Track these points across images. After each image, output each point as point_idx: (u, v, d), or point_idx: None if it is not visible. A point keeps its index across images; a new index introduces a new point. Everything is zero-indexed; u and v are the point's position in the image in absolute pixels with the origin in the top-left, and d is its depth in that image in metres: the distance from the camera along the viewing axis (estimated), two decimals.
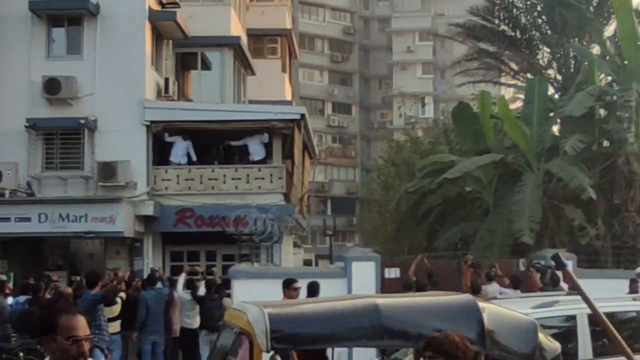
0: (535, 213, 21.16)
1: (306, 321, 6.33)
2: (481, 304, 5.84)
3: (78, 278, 18.57)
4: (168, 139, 23.28)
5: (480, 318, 5.67)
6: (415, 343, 5.75)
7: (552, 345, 6.19)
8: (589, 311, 10.45)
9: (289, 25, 35.39)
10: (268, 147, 24.09)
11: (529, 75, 30.15)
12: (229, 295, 17.79)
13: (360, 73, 74.29)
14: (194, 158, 23.60)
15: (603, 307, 11.10)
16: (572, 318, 10.86)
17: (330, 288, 15.97)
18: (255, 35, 32.86)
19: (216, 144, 24.68)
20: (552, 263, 17.41)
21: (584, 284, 15.01)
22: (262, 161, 23.84)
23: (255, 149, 23.86)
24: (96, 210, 21.54)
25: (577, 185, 21.23)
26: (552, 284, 15.69)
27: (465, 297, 6.22)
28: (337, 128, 70.58)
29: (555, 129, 25.81)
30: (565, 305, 10.90)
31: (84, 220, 21.43)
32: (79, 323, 4.04)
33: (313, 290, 13.05)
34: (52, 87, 22.50)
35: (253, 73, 30.62)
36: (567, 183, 21.79)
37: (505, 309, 6.25)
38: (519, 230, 20.81)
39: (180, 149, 23.47)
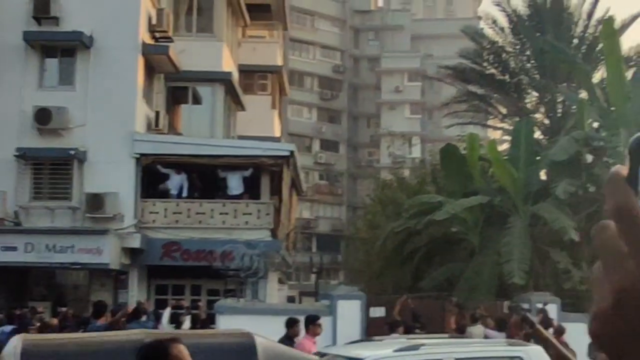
0: (523, 255, 21.31)
1: (63, 354, 5.61)
2: (259, 342, 5.06)
3: (64, 309, 18.52)
4: (163, 170, 23.33)
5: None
6: None
7: None
8: (456, 355, 9.96)
9: (280, 62, 35.64)
10: (254, 182, 24.20)
11: (516, 119, 30.43)
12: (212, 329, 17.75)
13: (349, 111, 74.72)
14: (184, 194, 23.65)
15: (474, 352, 10.88)
16: None
17: None
18: (246, 71, 33.05)
19: (204, 178, 24.77)
20: (540, 306, 17.55)
21: (568, 327, 15.14)
22: (240, 196, 23.89)
23: (234, 183, 23.92)
24: (83, 242, 21.55)
25: (560, 227, 21.41)
26: (544, 327, 15.74)
27: (243, 335, 5.41)
28: (324, 165, 70.80)
29: (543, 172, 26.02)
30: (431, 348, 10.12)
31: (71, 251, 21.44)
32: (186, 351, 4.10)
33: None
34: (43, 117, 22.60)
35: (243, 109, 30.81)
36: (551, 225, 21.96)
37: (288, 350, 5.52)
38: (509, 272, 20.92)
39: (176, 181, 23.53)
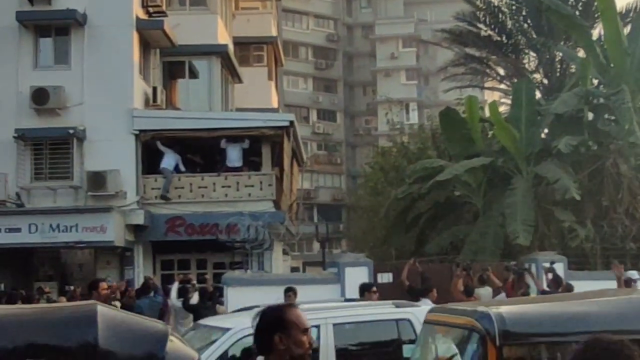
0: (527, 216, 21.29)
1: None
2: (101, 311, 4.74)
3: (71, 288, 18.52)
4: (160, 147, 23.22)
5: (94, 330, 4.74)
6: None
7: (189, 353, 5.15)
8: (336, 321, 9.59)
9: (274, 33, 35.41)
10: (255, 154, 24.13)
11: (515, 80, 30.29)
12: (222, 303, 17.77)
13: (345, 80, 74.48)
14: (183, 169, 23.57)
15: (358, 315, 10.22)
16: (316, 328, 9.41)
17: (324, 294, 16.04)
18: (242, 43, 32.83)
19: (204, 151, 24.70)
20: (547, 265, 17.54)
21: (575, 285, 15.15)
22: (240, 168, 23.83)
23: (235, 155, 23.83)
24: (86, 220, 21.50)
25: (562, 185, 21.39)
26: (555, 286, 15.76)
27: (87, 306, 5.06)
28: (322, 135, 70.67)
29: (544, 133, 25.97)
30: (307, 314, 9.69)
31: (75, 230, 21.39)
32: (304, 315, 4.10)
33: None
34: (40, 97, 22.46)
35: (240, 81, 30.65)
36: (553, 184, 21.94)
37: (128, 317, 5.21)
38: (513, 233, 20.92)
39: (172, 159, 23.41)
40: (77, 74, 22.95)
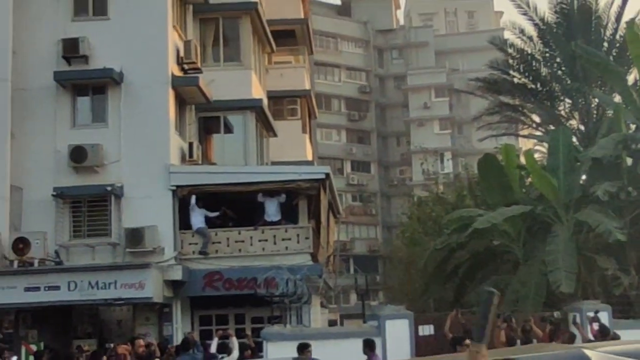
0: (570, 263, 20.99)
1: None
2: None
3: (111, 345, 18.47)
4: (192, 203, 23.19)
5: None
6: None
7: None
8: None
9: (307, 86, 35.69)
10: (291, 207, 24.12)
11: (551, 127, 30.15)
12: (261, 357, 17.65)
13: (378, 131, 74.69)
14: (211, 215, 23.55)
15: None
16: None
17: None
18: (275, 97, 33.14)
19: (240, 206, 24.71)
20: (591, 315, 17.25)
21: (621, 335, 14.82)
22: (278, 222, 23.83)
23: (272, 209, 23.89)
24: (125, 277, 21.50)
25: (605, 230, 21.08)
26: (601, 336, 15.47)
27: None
28: (356, 186, 70.71)
29: (582, 179, 25.72)
30: None
31: (113, 287, 21.38)
32: None
33: (370, 345, 13.51)
34: (78, 155, 22.67)
35: (275, 134, 30.81)
36: (595, 229, 21.64)
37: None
38: (555, 281, 20.62)
39: (200, 215, 23.42)
40: (114, 132, 23.18)
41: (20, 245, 21.74)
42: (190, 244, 23.32)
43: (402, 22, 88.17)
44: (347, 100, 72.86)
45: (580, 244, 22.67)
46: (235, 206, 24.62)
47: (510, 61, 32.84)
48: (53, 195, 22.73)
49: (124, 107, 23.28)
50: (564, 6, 31.52)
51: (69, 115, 23.44)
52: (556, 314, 18.64)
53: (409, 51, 77.44)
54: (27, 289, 21.37)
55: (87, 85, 23.65)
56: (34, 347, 21.14)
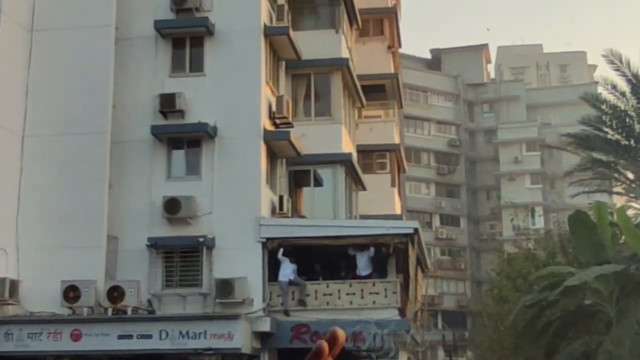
0: None
1: None
2: None
3: None
4: (280, 257, 23.50)
5: None
6: None
7: None
8: None
9: (397, 140, 35.91)
10: (380, 261, 24.21)
11: None
12: None
13: (468, 185, 74.28)
14: (294, 278, 23.70)
15: None
16: None
17: None
18: (365, 151, 33.42)
19: (329, 259, 24.91)
20: None
21: None
22: (369, 276, 23.92)
23: (363, 263, 24.04)
24: (215, 327, 21.89)
25: None
26: None
27: None
28: (445, 240, 70.27)
29: None
30: None
31: (203, 336, 21.79)
32: None
33: None
34: (172, 206, 23.30)
35: (364, 188, 31.03)
36: None
37: None
38: None
39: (288, 269, 23.67)
40: (208, 185, 23.77)
41: (115, 293, 22.37)
42: (278, 295, 23.58)
43: (492, 75, 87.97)
44: (436, 154, 72.83)
45: None
46: (323, 259, 24.87)
47: (603, 117, 32.48)
48: (147, 245, 23.38)
49: (217, 161, 23.89)
50: None
51: (164, 167, 24.16)
52: None
53: (500, 105, 77.12)
54: (120, 337, 21.96)
55: (183, 139, 24.37)
56: None
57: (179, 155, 24.45)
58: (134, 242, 23.39)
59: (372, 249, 23.85)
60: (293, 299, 23.53)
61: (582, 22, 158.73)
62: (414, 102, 70.87)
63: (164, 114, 24.14)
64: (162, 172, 24.18)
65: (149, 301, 23.07)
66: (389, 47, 35.46)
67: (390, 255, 24.36)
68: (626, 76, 31.85)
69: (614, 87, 32.50)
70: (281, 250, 23.48)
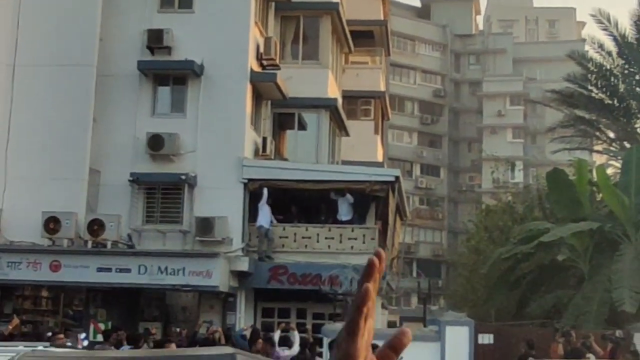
0: (635, 283, 20.89)
1: None
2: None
3: (178, 330, 19.04)
4: (263, 200, 23.47)
5: None
6: None
7: None
8: None
9: (382, 88, 35.87)
10: (361, 207, 24.42)
11: (625, 144, 29.88)
12: (320, 354, 18.00)
13: (450, 135, 74.44)
14: (274, 222, 23.86)
15: None
16: None
17: (423, 352, 16.09)
18: (350, 97, 33.40)
19: (308, 204, 25.06)
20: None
21: None
22: (350, 222, 24.14)
23: (345, 209, 24.22)
24: (193, 265, 22.11)
25: None
26: None
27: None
28: (424, 190, 70.62)
29: None
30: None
31: (181, 273, 22.01)
32: None
33: None
34: (155, 143, 23.31)
35: (347, 134, 31.11)
36: None
37: None
38: (619, 300, 20.54)
39: (267, 215, 23.72)
40: (192, 123, 23.76)
41: (95, 226, 22.50)
42: (257, 236, 23.77)
43: (481, 27, 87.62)
44: (420, 103, 72.83)
45: None
46: (303, 202, 25.03)
47: (589, 75, 32.60)
48: (129, 180, 23.43)
49: (203, 99, 23.86)
50: None
51: (149, 103, 24.11)
52: (618, 332, 18.59)
53: (487, 57, 77.00)
54: (99, 270, 22.15)
55: (169, 75, 24.29)
56: (102, 326, 21.88)
57: (164, 92, 24.39)
58: (116, 176, 23.43)
59: (348, 195, 23.98)
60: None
61: None
62: (401, 50, 70.61)
63: (151, 49, 24.01)
64: (147, 108, 24.13)
65: (129, 236, 23.20)
66: None
67: (370, 201, 24.54)
68: (613, 36, 31.93)
69: (601, 46, 32.61)
70: (265, 193, 23.45)
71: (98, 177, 23.65)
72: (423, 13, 78.47)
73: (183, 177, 23.29)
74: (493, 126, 71.99)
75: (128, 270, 22.09)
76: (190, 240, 23.26)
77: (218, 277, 21.97)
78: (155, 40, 23.89)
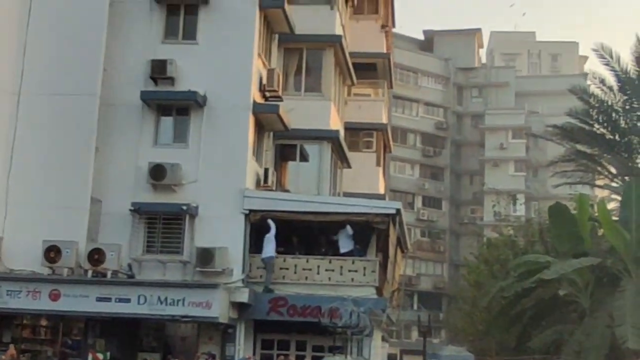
0: (638, 319, 20.81)
1: None
2: None
3: None
4: (271, 231, 23.47)
5: None
6: None
7: None
8: None
9: (385, 120, 36.03)
10: (360, 239, 24.45)
11: (627, 179, 29.89)
12: None
13: (452, 168, 74.60)
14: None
15: None
16: None
17: None
18: (352, 129, 33.52)
19: (308, 235, 25.08)
20: None
21: None
22: (350, 253, 24.14)
23: (344, 242, 24.26)
24: (193, 295, 22.07)
25: None
26: None
27: None
28: (426, 222, 70.65)
29: None
30: None
31: (181, 304, 21.96)
32: None
33: None
34: (157, 173, 23.36)
35: (349, 166, 31.19)
36: None
37: None
38: (622, 336, 20.47)
39: (273, 246, 23.70)
40: (194, 153, 23.82)
41: (96, 255, 22.51)
42: (258, 267, 23.75)
43: (484, 60, 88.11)
44: (423, 135, 73.05)
45: None
46: (304, 234, 25.05)
47: (590, 110, 32.71)
48: (130, 210, 23.45)
49: (205, 130, 23.94)
50: None
51: (152, 133, 24.18)
52: None
53: (489, 90, 77.34)
54: (99, 299, 22.11)
55: (172, 106, 24.39)
56: (100, 356, 21.83)
57: (167, 122, 24.46)
58: (117, 206, 23.45)
59: (348, 227, 24.01)
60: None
61: (579, 11, 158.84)
62: (404, 83, 70.97)
63: (154, 80, 24.13)
64: (150, 138, 24.19)
65: (129, 265, 23.18)
66: (383, 26, 35.48)
67: (371, 233, 24.55)
68: (615, 71, 32.09)
69: (602, 81, 32.75)
70: (273, 227, 23.44)
71: (99, 206, 23.67)
72: (426, 46, 78.95)
73: (184, 207, 23.32)
74: (495, 159, 72.15)
75: (128, 300, 22.05)
76: (190, 270, 23.24)
77: (218, 308, 21.92)
78: (159, 70, 24.02)
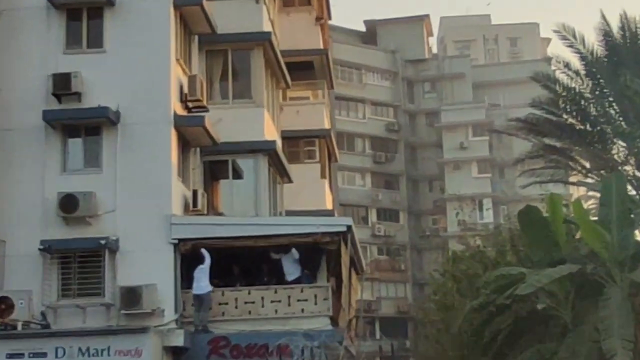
0: (626, 331, 21.00)
1: None
2: None
3: None
4: (205, 263, 23.38)
5: None
6: None
7: None
8: None
9: (327, 125, 36.12)
10: (311, 263, 24.46)
11: (603, 173, 30.26)
12: None
13: (408, 174, 75.08)
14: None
15: None
16: None
17: None
18: (291, 138, 33.54)
19: (251, 263, 25.02)
20: None
21: None
22: (297, 280, 24.13)
23: (289, 267, 24.25)
24: (120, 342, 21.86)
25: None
26: None
27: None
28: (383, 238, 70.95)
29: (638, 232, 25.77)
30: None
31: (106, 353, 21.78)
32: None
33: None
34: (68, 204, 23.11)
35: (290, 180, 31.19)
36: None
37: None
38: (610, 351, 20.64)
39: (206, 278, 23.55)
40: (110, 178, 23.63)
41: (2, 305, 22.14)
42: (193, 305, 23.60)
43: (435, 50, 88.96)
44: (372, 139, 73.45)
45: (636, 307, 22.69)
46: (244, 262, 24.96)
47: (556, 99, 33.02)
48: (40, 249, 23.15)
49: (121, 151, 23.76)
50: (610, 39, 31.79)
51: (59, 159, 23.94)
52: None
53: (443, 84, 78.10)
54: (9, 356, 21.78)
55: (80, 125, 24.18)
56: None
57: (76, 144, 24.26)
58: (24, 245, 23.14)
59: (293, 251, 24.03)
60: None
61: None
62: (347, 81, 71.32)
63: (57, 96, 23.90)
64: (57, 164, 23.95)
65: (43, 314, 22.87)
66: (318, 19, 35.60)
67: (320, 256, 24.56)
68: (581, 53, 32.43)
69: (567, 65, 33.08)
70: (207, 259, 23.31)
71: (3, 248, 23.33)
72: (368, 38, 79.47)
73: (103, 241, 23.10)
74: (455, 161, 72.83)
75: (44, 355, 21.76)
76: (114, 314, 23.02)
77: (149, 355, 21.76)
78: (62, 85, 23.80)
